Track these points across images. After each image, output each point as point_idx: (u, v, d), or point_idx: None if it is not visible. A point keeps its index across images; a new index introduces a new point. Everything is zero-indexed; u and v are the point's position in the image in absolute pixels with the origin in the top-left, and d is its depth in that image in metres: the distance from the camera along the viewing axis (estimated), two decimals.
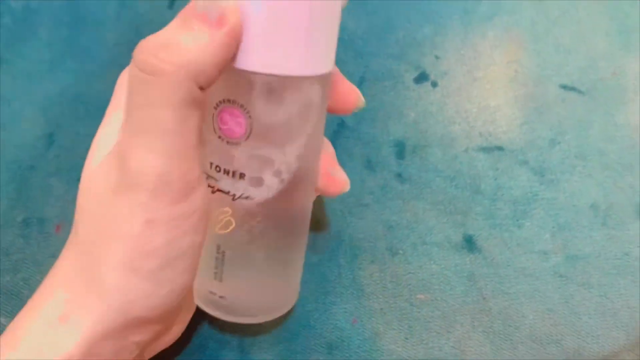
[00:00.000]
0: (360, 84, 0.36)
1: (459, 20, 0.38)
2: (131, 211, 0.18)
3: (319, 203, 0.33)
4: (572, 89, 0.37)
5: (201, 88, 0.18)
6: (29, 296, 0.30)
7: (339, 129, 0.34)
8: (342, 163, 0.33)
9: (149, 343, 0.22)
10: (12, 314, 0.30)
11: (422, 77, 0.36)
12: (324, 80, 0.23)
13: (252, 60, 0.19)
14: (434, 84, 0.36)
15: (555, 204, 0.34)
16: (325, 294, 0.31)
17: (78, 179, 0.33)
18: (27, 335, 0.19)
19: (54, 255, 0.31)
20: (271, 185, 0.22)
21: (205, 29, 0.17)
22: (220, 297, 0.25)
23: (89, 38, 0.37)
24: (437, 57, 0.37)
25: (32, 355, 0.19)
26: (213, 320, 0.29)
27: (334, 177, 0.26)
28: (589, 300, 0.31)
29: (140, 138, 0.18)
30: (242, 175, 0.22)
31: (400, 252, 0.32)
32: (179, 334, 0.24)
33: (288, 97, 0.21)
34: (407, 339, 0.30)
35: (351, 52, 0.36)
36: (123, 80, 0.21)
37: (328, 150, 0.27)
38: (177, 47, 0.17)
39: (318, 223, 0.33)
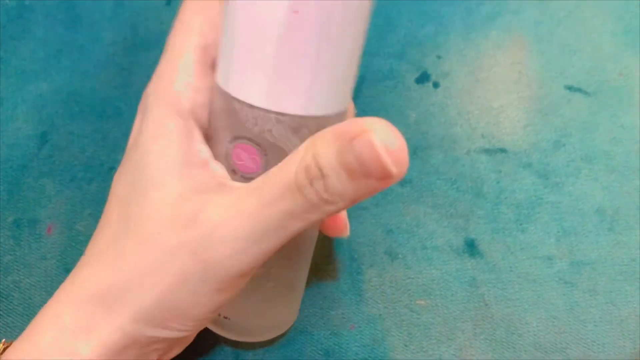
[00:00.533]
0: (360, 83, 0.35)
1: (461, 20, 0.37)
2: (205, 279, 0.19)
3: None
4: (578, 90, 0.36)
5: None
6: (19, 299, 0.29)
7: None
8: None
9: (167, 350, 0.22)
10: (0, 317, 0.29)
11: (423, 78, 0.36)
12: (340, 117, 0.22)
13: (269, 98, 0.19)
14: (436, 85, 0.36)
15: (560, 208, 0.33)
16: (323, 299, 0.30)
17: (71, 180, 0.32)
18: (47, 344, 0.19)
19: (45, 257, 0.30)
20: None
21: (364, 180, 0.17)
22: (225, 317, 0.26)
23: (84, 36, 0.36)
24: (439, 57, 0.36)
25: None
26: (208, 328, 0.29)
27: (337, 217, 0.27)
28: (594, 308, 0.30)
29: (256, 229, 0.18)
30: None
31: (400, 256, 0.31)
32: (192, 339, 0.24)
33: (304, 136, 0.21)
34: (406, 346, 0.29)
35: None
36: (154, 102, 0.21)
37: None
38: (335, 192, 0.17)
39: None
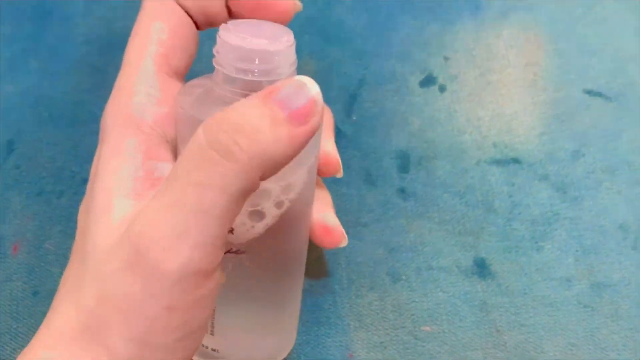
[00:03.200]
0: (359, 87, 0.36)
1: (470, 17, 0.39)
2: (150, 296, 0.19)
3: None
4: (598, 94, 0.37)
5: (262, 178, 0.19)
6: None
7: (336, 138, 0.35)
8: (338, 178, 0.34)
9: None
10: None
11: (428, 81, 0.37)
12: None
13: None
14: (442, 88, 0.37)
15: (579, 224, 0.34)
16: (318, 325, 0.31)
17: (39, 193, 0.33)
18: None
19: (11, 279, 0.31)
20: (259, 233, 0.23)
21: (286, 124, 0.18)
22: (213, 350, 0.26)
23: (55, 35, 0.37)
24: (445, 58, 0.37)
25: None
26: None
27: (331, 227, 0.27)
28: (617, 334, 0.31)
29: (178, 217, 0.18)
30: (231, 230, 0.23)
31: (403, 277, 0.32)
32: None
33: None
34: None
35: (349, 51, 0.37)
36: (112, 122, 0.21)
37: (325, 199, 0.28)
38: (255, 135, 0.18)
39: (311, 244, 0.33)
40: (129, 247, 0.19)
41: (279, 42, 0.21)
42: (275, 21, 0.24)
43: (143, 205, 0.20)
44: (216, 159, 0.18)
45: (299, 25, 0.37)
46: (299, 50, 0.37)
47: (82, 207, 0.22)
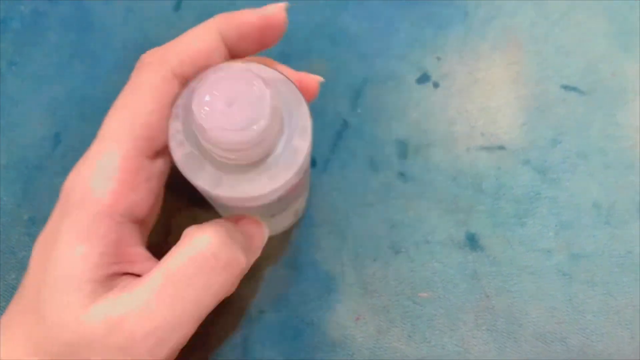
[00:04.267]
0: (363, 84, 0.35)
1: (460, 23, 0.37)
2: None
3: (324, 201, 0.32)
4: (573, 89, 0.36)
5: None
6: None
7: (342, 129, 0.34)
8: (345, 163, 0.33)
9: None
10: None
11: (424, 78, 0.36)
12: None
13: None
14: (436, 85, 0.36)
15: (557, 203, 0.33)
16: (329, 292, 0.30)
17: None
18: None
19: None
20: None
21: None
22: None
23: (96, 42, 0.36)
24: (438, 59, 0.36)
25: None
26: (216, 319, 0.29)
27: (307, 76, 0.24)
28: (592, 299, 0.30)
29: (174, 314, 0.20)
30: None
31: (403, 250, 0.31)
32: None
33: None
34: (410, 336, 0.29)
35: (354, 53, 0.36)
36: (76, 198, 0.22)
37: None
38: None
39: (322, 221, 0.32)
40: (121, 336, 0.19)
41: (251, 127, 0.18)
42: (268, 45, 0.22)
43: (121, 289, 0.20)
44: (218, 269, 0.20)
45: (310, 31, 0.36)
46: (311, 53, 0.36)
47: (40, 247, 0.22)
